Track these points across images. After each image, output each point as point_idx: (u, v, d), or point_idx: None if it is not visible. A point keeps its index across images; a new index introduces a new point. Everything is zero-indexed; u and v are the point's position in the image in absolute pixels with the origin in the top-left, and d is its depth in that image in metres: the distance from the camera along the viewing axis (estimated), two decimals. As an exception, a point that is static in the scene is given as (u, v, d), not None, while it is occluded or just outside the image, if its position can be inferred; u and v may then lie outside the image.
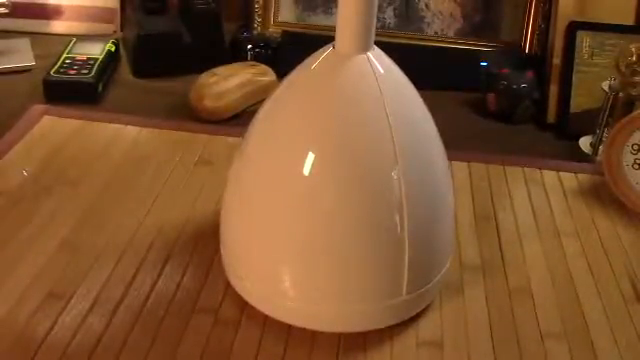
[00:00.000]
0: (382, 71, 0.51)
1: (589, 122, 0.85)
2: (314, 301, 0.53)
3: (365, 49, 0.51)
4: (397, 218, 0.51)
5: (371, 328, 0.55)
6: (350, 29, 0.50)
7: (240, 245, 0.56)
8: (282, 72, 0.58)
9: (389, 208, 0.51)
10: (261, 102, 0.57)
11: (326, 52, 0.52)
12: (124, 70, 0.99)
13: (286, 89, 0.54)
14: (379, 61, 0.52)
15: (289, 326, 0.55)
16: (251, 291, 0.56)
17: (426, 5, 1.04)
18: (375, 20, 0.51)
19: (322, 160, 0.51)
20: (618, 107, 0.80)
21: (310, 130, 0.51)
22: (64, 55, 0.94)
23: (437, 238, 0.56)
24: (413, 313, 0.56)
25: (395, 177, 0.50)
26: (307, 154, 0.50)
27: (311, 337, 0.54)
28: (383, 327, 0.55)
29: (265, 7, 1.06)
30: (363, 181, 0.50)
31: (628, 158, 0.73)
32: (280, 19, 1.07)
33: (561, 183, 0.76)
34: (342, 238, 0.51)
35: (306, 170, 0.50)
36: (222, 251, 0.59)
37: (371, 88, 0.51)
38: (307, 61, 0.53)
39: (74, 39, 0.99)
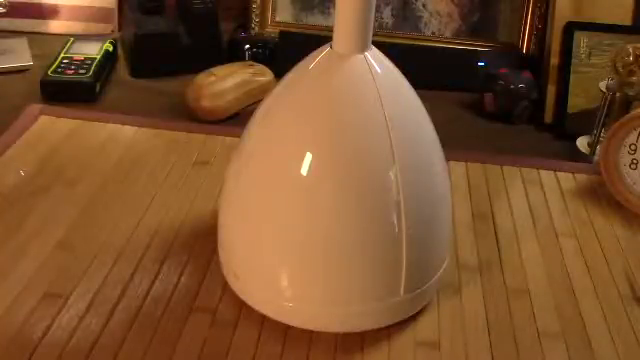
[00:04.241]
0: (379, 71, 0.51)
1: (586, 122, 0.85)
2: (312, 301, 0.53)
3: (363, 49, 0.51)
4: (394, 218, 0.51)
5: (369, 328, 0.55)
6: (348, 29, 0.50)
7: (237, 245, 0.56)
8: (280, 72, 0.58)
9: (387, 208, 0.51)
10: (259, 102, 0.57)
11: (324, 52, 0.52)
12: (122, 70, 0.99)
13: (284, 89, 0.54)
14: (377, 61, 0.52)
15: (287, 326, 0.55)
16: (249, 291, 0.56)
17: (423, 5, 1.04)
18: (373, 20, 0.51)
19: (319, 160, 0.51)
20: (615, 107, 0.80)
21: (308, 130, 0.51)
22: (61, 55, 0.94)
23: (435, 238, 0.56)
24: (411, 313, 0.56)
25: (392, 177, 0.50)
26: (304, 154, 0.50)
27: (309, 337, 0.54)
28: (381, 327, 0.55)
29: (262, 7, 1.06)
30: (360, 181, 0.50)
31: (625, 158, 0.73)
32: (278, 19, 1.07)
33: (558, 183, 0.76)
34: (339, 238, 0.51)
35: (304, 170, 0.50)
36: (219, 251, 0.59)
37: (369, 88, 0.51)
38: (305, 61, 0.53)
39: (72, 39, 0.99)
